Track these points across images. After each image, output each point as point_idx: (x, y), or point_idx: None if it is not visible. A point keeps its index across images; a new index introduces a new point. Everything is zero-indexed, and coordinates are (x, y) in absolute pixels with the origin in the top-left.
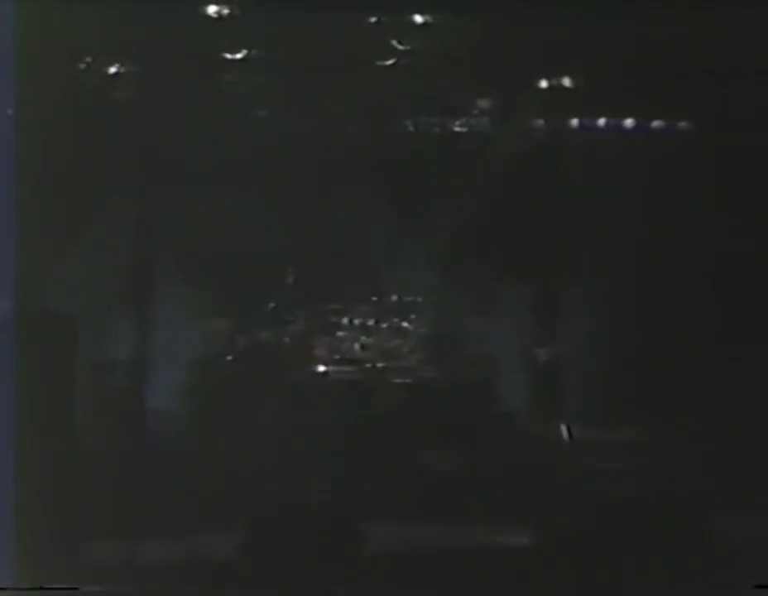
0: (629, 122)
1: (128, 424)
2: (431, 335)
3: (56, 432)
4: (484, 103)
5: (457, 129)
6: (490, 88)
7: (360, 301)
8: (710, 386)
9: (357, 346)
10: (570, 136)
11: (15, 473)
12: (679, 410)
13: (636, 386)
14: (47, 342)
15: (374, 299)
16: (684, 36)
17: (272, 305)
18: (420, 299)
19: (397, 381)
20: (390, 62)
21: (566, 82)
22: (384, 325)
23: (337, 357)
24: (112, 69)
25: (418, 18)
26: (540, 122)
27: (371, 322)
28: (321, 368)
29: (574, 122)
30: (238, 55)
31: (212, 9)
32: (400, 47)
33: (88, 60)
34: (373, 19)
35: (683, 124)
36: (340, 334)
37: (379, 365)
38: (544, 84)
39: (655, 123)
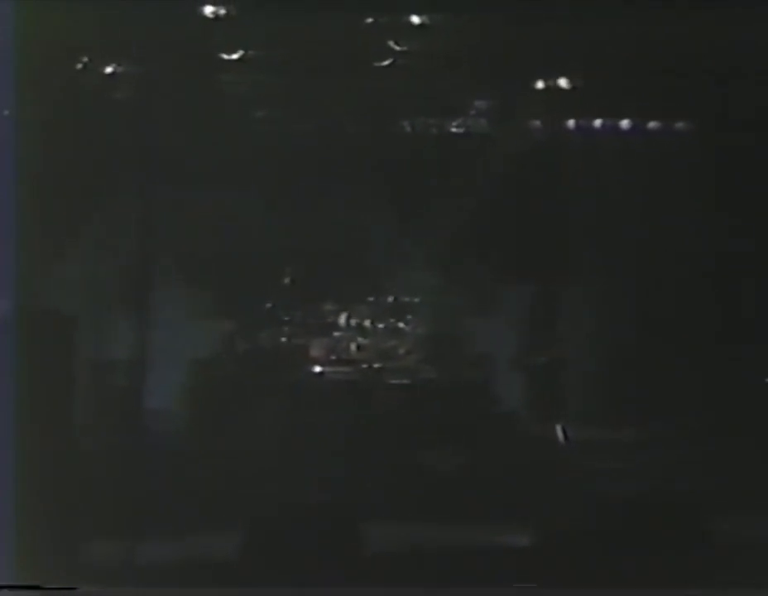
0: (629, 123)
1: (127, 424)
2: (428, 336)
3: (56, 432)
4: (483, 104)
5: (456, 129)
6: (489, 88)
7: (357, 301)
8: (711, 386)
9: (353, 346)
10: (570, 136)
11: (15, 473)
12: (680, 410)
13: (637, 387)
14: (47, 342)
15: (371, 299)
16: (684, 36)
17: (269, 305)
18: (417, 299)
19: (394, 381)
20: (388, 62)
21: (566, 82)
22: (381, 326)
23: (333, 357)
24: (113, 69)
25: (416, 19)
26: (540, 122)
27: (367, 322)
28: (317, 369)
29: (574, 122)
30: (236, 56)
31: (210, 9)
32: (398, 48)
33: (89, 59)
34: (371, 19)
35: (683, 124)
36: (337, 334)
37: (376, 365)
38: (543, 84)
39: (655, 124)
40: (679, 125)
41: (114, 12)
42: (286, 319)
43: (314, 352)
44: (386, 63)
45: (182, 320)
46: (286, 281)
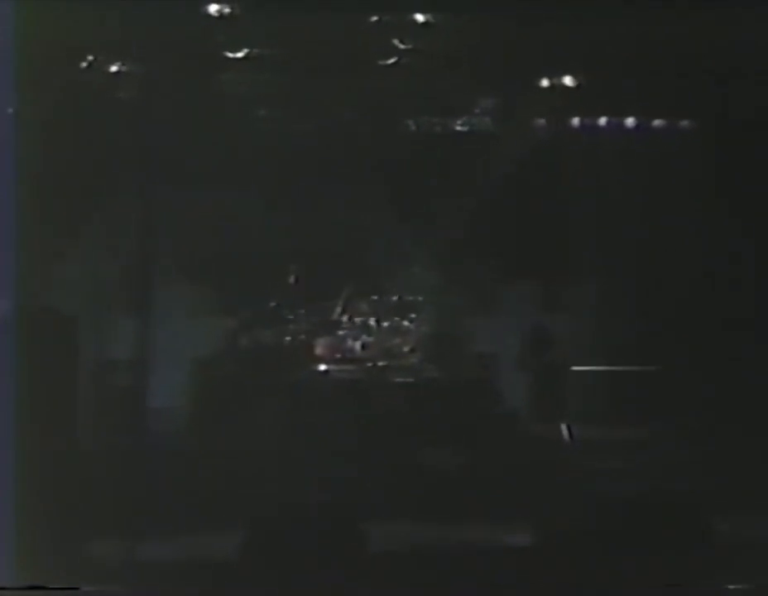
0: (629, 122)
1: (128, 423)
2: (432, 334)
3: (56, 432)
4: (485, 103)
5: (458, 128)
6: (491, 87)
7: (361, 300)
8: (711, 386)
9: (358, 345)
10: (571, 135)
11: (15, 473)
12: (680, 410)
13: (638, 386)
14: (47, 342)
15: (375, 298)
16: (684, 36)
17: (274, 304)
18: (420, 298)
19: (398, 379)
20: (391, 61)
21: (567, 81)
22: (385, 324)
23: (338, 356)
24: (113, 69)
25: (419, 17)
26: (541, 121)
27: (372, 321)
28: (322, 367)
29: (575, 121)
30: (239, 55)
31: (213, 8)
32: (402, 46)
33: (89, 59)
34: (374, 18)
35: (683, 124)
36: (341, 332)
37: (380, 363)
38: (545, 83)
39: (655, 123)
40: (679, 124)
41: (114, 11)
42: (291, 317)
43: (319, 350)
44: (389, 62)
45: (184, 320)
46: (290, 280)
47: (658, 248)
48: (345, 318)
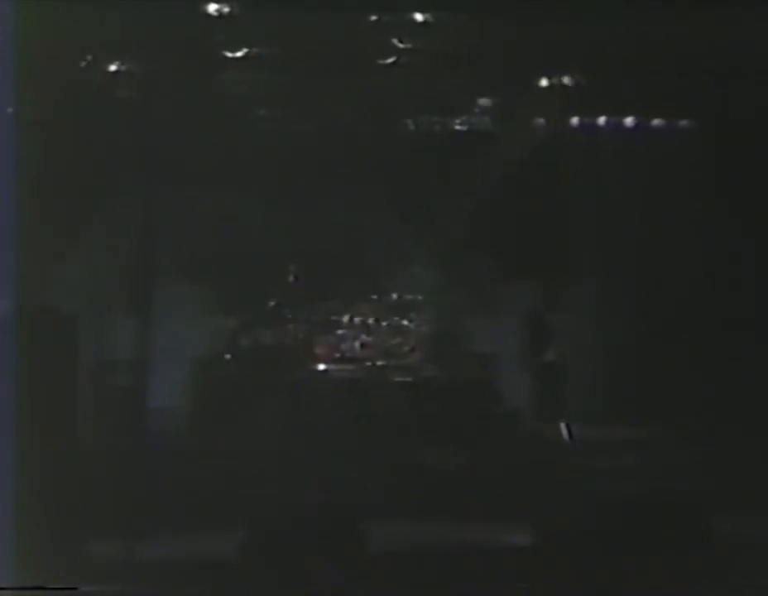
0: (629, 122)
1: (127, 423)
2: (431, 334)
3: (56, 432)
4: (484, 102)
5: (457, 128)
6: (490, 87)
7: (361, 300)
8: (712, 386)
9: (357, 344)
10: (570, 135)
11: (15, 473)
12: (681, 409)
13: (638, 386)
14: (47, 342)
15: (374, 297)
16: (684, 36)
17: (273, 303)
18: (420, 297)
19: (397, 379)
20: (390, 61)
21: (566, 81)
22: (384, 324)
23: (337, 355)
24: (112, 69)
25: (419, 17)
26: (541, 121)
27: (371, 320)
28: (321, 366)
29: (575, 121)
30: (238, 54)
31: (212, 8)
32: (401, 46)
33: (89, 59)
34: (374, 18)
35: (682, 124)
36: (340, 332)
37: (379, 363)
38: (544, 83)
39: (655, 123)
40: (679, 124)
41: (114, 11)
42: (290, 317)
43: (319, 349)
44: (388, 61)
45: (184, 320)
46: (290, 279)
47: (658, 248)
48: (345, 317)
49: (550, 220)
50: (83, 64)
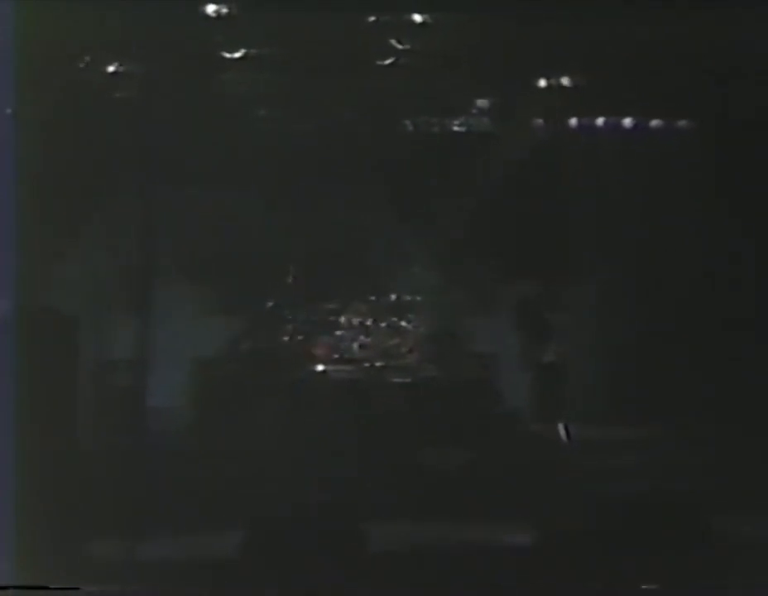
0: (630, 122)
1: (127, 423)
2: (430, 334)
3: (56, 432)
4: (484, 103)
5: (456, 128)
6: (490, 87)
7: (359, 300)
8: (713, 386)
9: (355, 345)
10: (574, 135)
11: (15, 473)
12: (681, 409)
13: (640, 386)
14: (47, 342)
15: (373, 298)
16: (684, 36)
17: (272, 303)
18: (419, 298)
19: (396, 380)
20: (389, 61)
21: (567, 82)
22: (383, 324)
23: (336, 356)
24: (113, 69)
25: (417, 17)
26: (541, 121)
27: (369, 321)
28: (320, 367)
29: (575, 122)
30: (237, 55)
31: (211, 9)
32: (400, 46)
33: (89, 59)
34: (373, 18)
35: (683, 124)
36: (339, 332)
37: (378, 364)
38: (544, 83)
39: (655, 124)
40: (679, 124)
41: (114, 11)
42: (288, 318)
43: (317, 350)
44: (388, 62)
45: (183, 321)
46: (288, 280)
47: (660, 248)
48: (343, 318)
49: (551, 220)
50: (83, 64)
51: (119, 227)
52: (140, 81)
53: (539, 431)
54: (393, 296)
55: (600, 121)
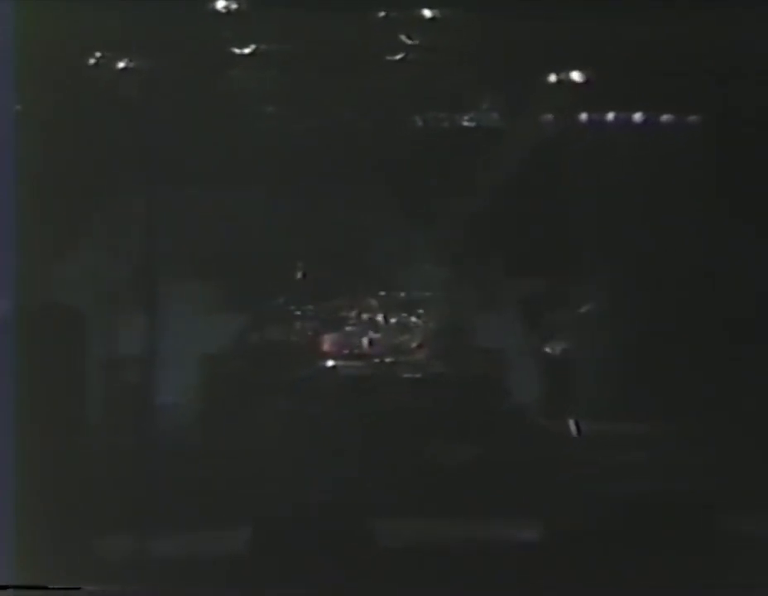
0: (640, 118)
1: (129, 421)
2: (440, 330)
3: (56, 432)
4: (495, 99)
5: (467, 124)
6: (500, 83)
7: (369, 296)
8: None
9: (365, 341)
10: (581, 132)
11: (15, 473)
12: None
13: (651, 382)
14: (47, 341)
15: (382, 294)
16: (684, 36)
17: (281, 300)
18: (428, 294)
19: (405, 375)
20: (399, 57)
21: (576, 78)
22: (393, 320)
23: (345, 351)
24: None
25: (427, 13)
26: (551, 117)
27: (379, 317)
28: (330, 363)
29: (588, 117)
30: (246, 51)
31: (220, 4)
32: (410, 42)
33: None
34: (383, 14)
35: (688, 124)
36: (348, 328)
37: (387, 359)
38: (554, 79)
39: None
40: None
41: (116, 9)
42: (298, 314)
43: (327, 346)
44: (398, 57)
45: (188, 318)
46: (298, 276)
47: (667, 247)
48: (353, 314)
49: (559, 218)
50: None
51: (120, 226)
52: (143, 80)
53: (548, 427)
54: (403, 293)
55: (610, 117)
